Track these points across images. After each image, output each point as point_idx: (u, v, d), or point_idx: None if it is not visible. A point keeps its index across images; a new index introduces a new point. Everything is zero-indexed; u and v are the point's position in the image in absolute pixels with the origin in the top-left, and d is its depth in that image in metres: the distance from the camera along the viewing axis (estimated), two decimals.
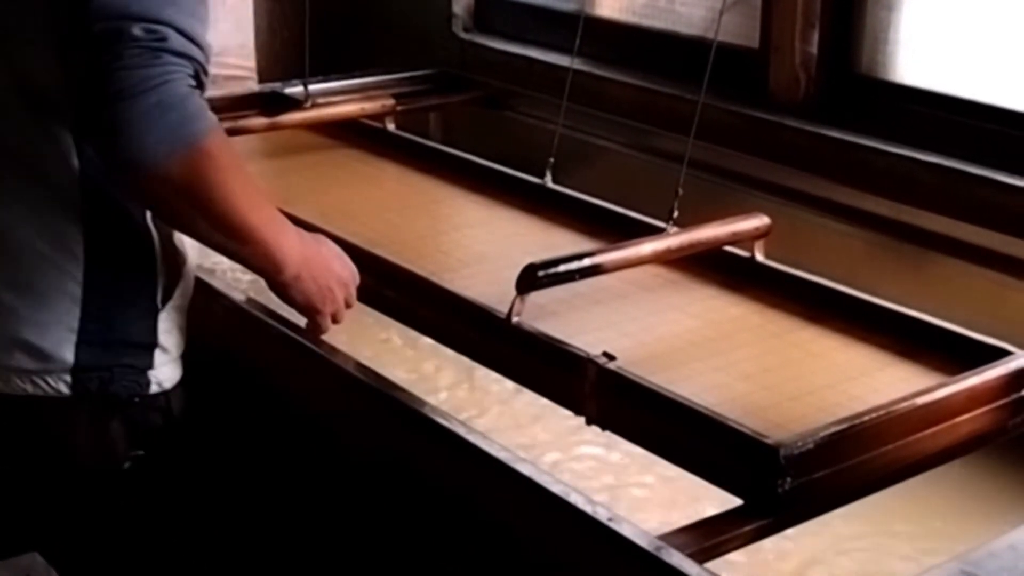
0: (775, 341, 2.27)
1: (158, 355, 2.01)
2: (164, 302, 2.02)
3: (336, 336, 2.24)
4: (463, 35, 3.76)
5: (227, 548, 2.28)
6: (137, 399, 1.99)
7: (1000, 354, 2.14)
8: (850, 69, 2.96)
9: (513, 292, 2.20)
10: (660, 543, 1.72)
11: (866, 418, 1.90)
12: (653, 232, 2.53)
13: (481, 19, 3.78)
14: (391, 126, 3.32)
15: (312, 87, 3.31)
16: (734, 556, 1.86)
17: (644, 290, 2.44)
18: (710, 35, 2.81)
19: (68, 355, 1.93)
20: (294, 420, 2.30)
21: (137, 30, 1.72)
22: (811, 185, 2.89)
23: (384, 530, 2.13)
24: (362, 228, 2.64)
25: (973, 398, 2.04)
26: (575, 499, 1.82)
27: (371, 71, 3.60)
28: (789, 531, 1.92)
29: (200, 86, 1.81)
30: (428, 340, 2.47)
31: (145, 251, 1.99)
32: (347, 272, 2.18)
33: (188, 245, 2.06)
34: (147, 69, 1.72)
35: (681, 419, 1.93)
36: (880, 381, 2.13)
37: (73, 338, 1.93)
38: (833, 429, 1.86)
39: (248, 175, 1.92)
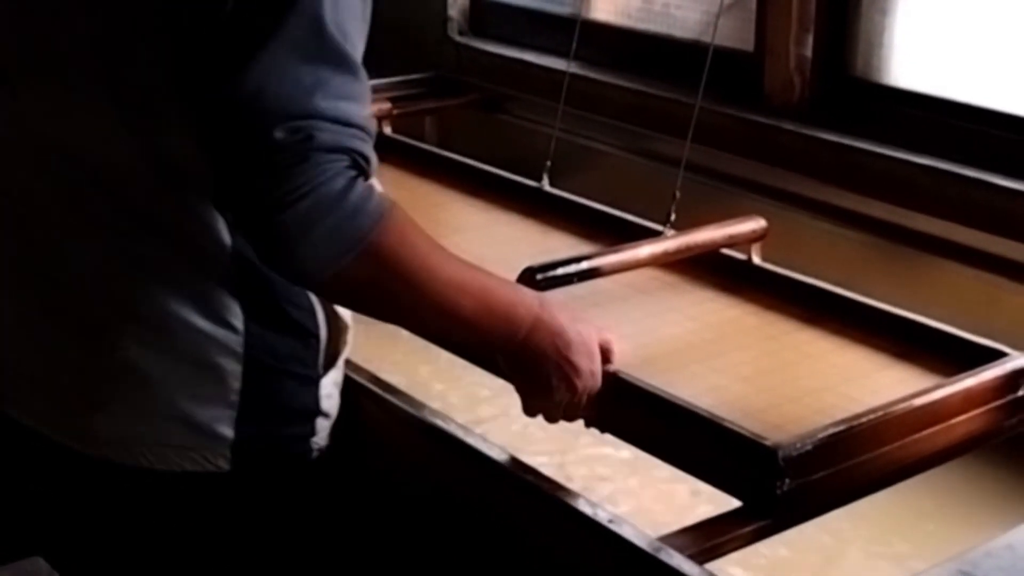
0: (772, 343, 2.28)
1: (319, 421, 1.91)
2: (326, 370, 1.92)
3: None
4: (459, 38, 3.77)
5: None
6: (298, 467, 1.90)
7: (996, 355, 2.15)
8: (845, 72, 2.98)
9: None
10: (660, 544, 1.73)
11: (864, 419, 1.91)
12: (650, 235, 2.55)
13: (477, 22, 3.79)
14: (387, 130, 3.32)
15: None
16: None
17: (641, 293, 2.45)
18: (705, 39, 2.83)
19: (228, 431, 1.81)
20: None
21: (280, 133, 1.55)
22: (806, 188, 2.90)
23: (383, 534, 2.13)
24: None
25: (969, 399, 2.05)
26: (575, 501, 1.83)
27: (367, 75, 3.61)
28: (785, 534, 1.92)
29: (362, 171, 1.65)
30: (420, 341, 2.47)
31: (308, 321, 1.86)
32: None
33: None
34: (294, 178, 1.56)
35: (680, 422, 1.94)
36: (877, 383, 2.14)
37: (233, 413, 1.81)
38: (831, 431, 1.87)
39: (438, 251, 1.75)
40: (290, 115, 1.55)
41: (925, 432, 1.99)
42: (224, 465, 1.81)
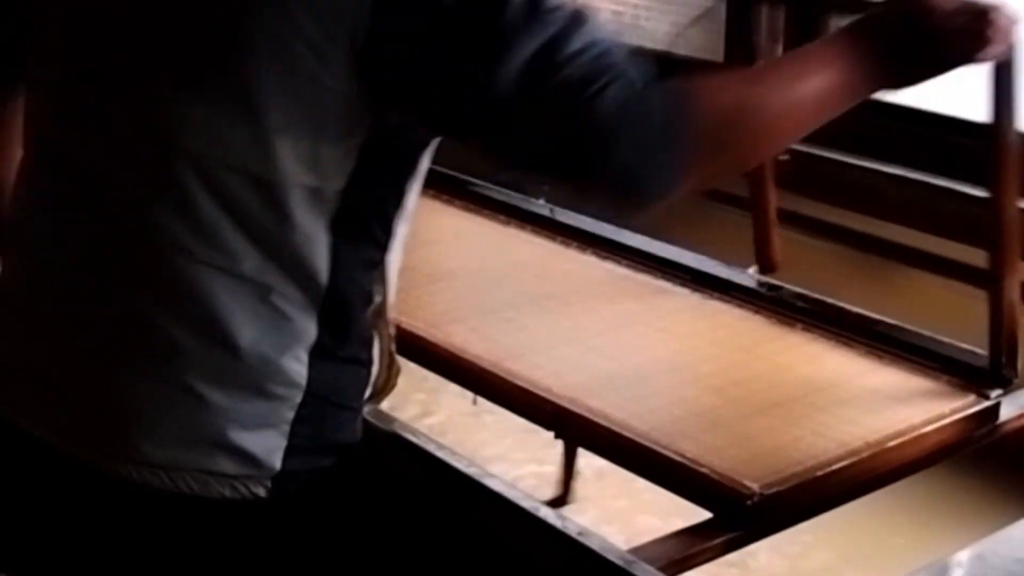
0: (743, 355, 2.27)
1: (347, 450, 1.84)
2: (370, 399, 1.86)
3: None
4: None
5: None
6: (334, 496, 1.82)
7: (966, 363, 2.16)
8: None
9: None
10: (630, 557, 1.72)
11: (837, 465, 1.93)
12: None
13: None
14: None
15: None
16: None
17: (610, 303, 2.44)
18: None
19: (276, 462, 1.72)
20: None
21: (597, 101, 1.54)
22: (777, 198, 2.90)
23: (350, 545, 2.12)
24: None
25: (940, 414, 2.06)
26: (544, 514, 1.82)
27: None
28: (753, 546, 1.92)
29: (642, 75, 1.60)
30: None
31: (366, 353, 1.80)
32: None
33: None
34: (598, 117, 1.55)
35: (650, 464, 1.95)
36: (848, 392, 2.14)
37: (284, 444, 1.72)
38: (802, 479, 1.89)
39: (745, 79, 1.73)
40: (586, 81, 1.54)
41: (895, 443, 1.99)
42: (263, 494, 1.74)
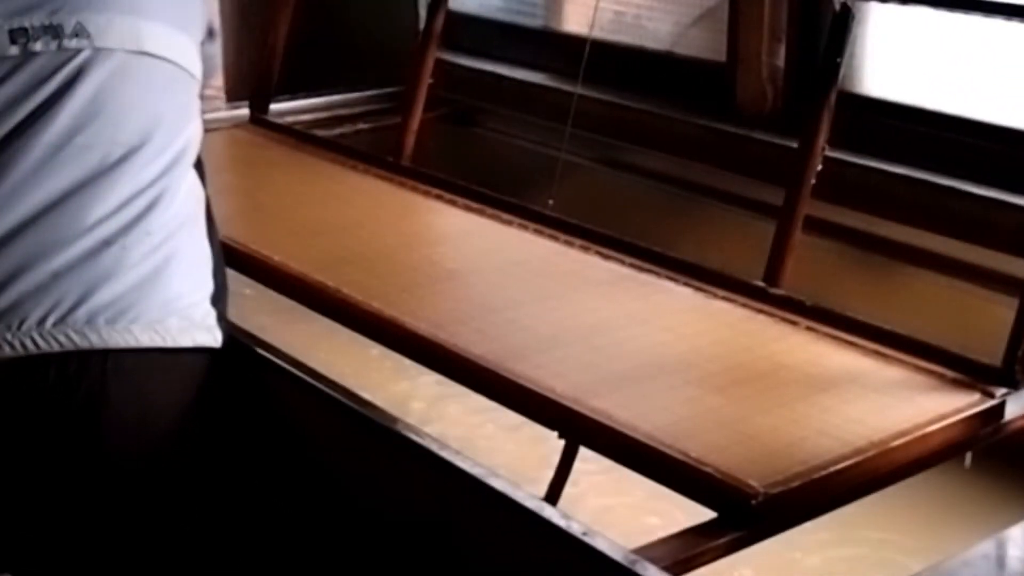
0: (746, 354, 2.27)
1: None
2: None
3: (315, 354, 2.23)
4: None
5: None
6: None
7: (971, 362, 2.15)
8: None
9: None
10: (635, 557, 1.72)
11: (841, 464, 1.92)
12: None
13: (449, 36, 3.77)
14: (360, 144, 3.31)
15: (281, 106, 3.30)
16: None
17: (613, 303, 2.44)
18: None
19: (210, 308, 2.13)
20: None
21: None
22: (779, 198, 2.89)
23: (354, 545, 2.12)
24: (332, 245, 2.64)
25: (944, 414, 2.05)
26: (549, 514, 1.81)
27: (340, 89, 3.60)
28: (760, 545, 1.92)
29: None
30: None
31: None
32: None
33: None
34: None
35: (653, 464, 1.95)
36: (852, 391, 2.13)
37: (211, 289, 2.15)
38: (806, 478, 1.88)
39: None
40: None
41: (900, 442, 1.98)
42: (211, 341, 2.11)
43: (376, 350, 2.55)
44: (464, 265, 2.63)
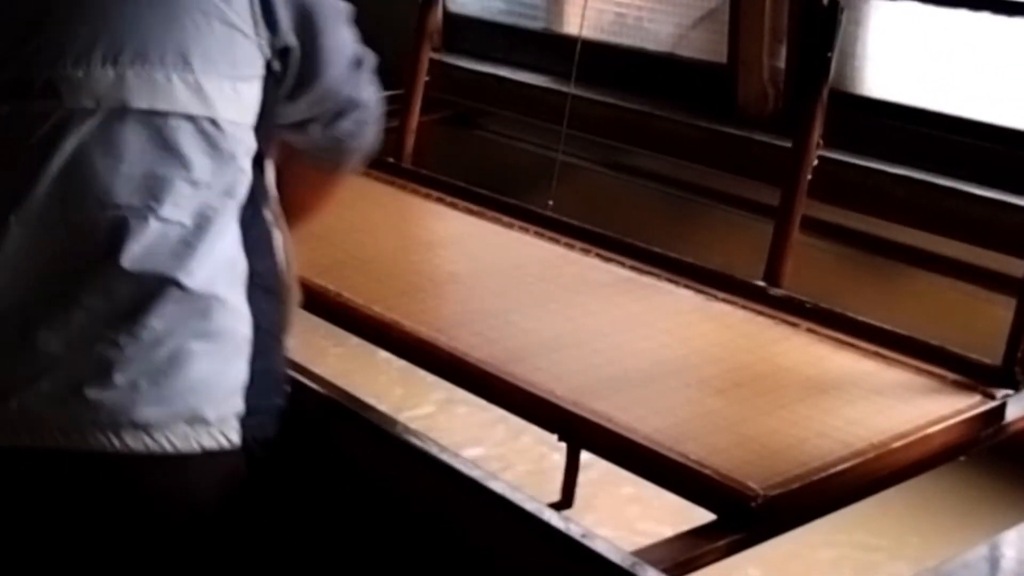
0: (747, 356, 2.27)
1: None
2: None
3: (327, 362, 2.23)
4: (432, 55, 3.75)
5: None
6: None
7: (971, 364, 2.15)
8: None
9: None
10: (634, 559, 1.72)
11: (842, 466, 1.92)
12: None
13: (450, 38, 3.78)
14: None
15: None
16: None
17: (614, 305, 2.44)
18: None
19: (238, 400, 1.76)
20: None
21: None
22: (779, 199, 2.89)
23: (356, 548, 2.12)
24: (332, 248, 2.64)
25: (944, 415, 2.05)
26: (548, 516, 1.81)
27: None
28: (760, 547, 1.91)
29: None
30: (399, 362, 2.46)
31: (283, 277, 1.88)
32: None
33: None
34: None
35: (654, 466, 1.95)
36: (852, 393, 2.13)
37: (243, 378, 1.77)
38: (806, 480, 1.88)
39: None
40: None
41: (901, 444, 1.98)
42: (235, 439, 1.75)
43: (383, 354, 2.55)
44: (464, 268, 2.63)
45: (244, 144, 1.80)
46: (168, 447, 1.72)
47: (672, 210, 2.88)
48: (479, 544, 1.94)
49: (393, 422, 2.10)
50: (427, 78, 3.32)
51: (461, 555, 1.96)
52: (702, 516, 1.86)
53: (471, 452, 2.40)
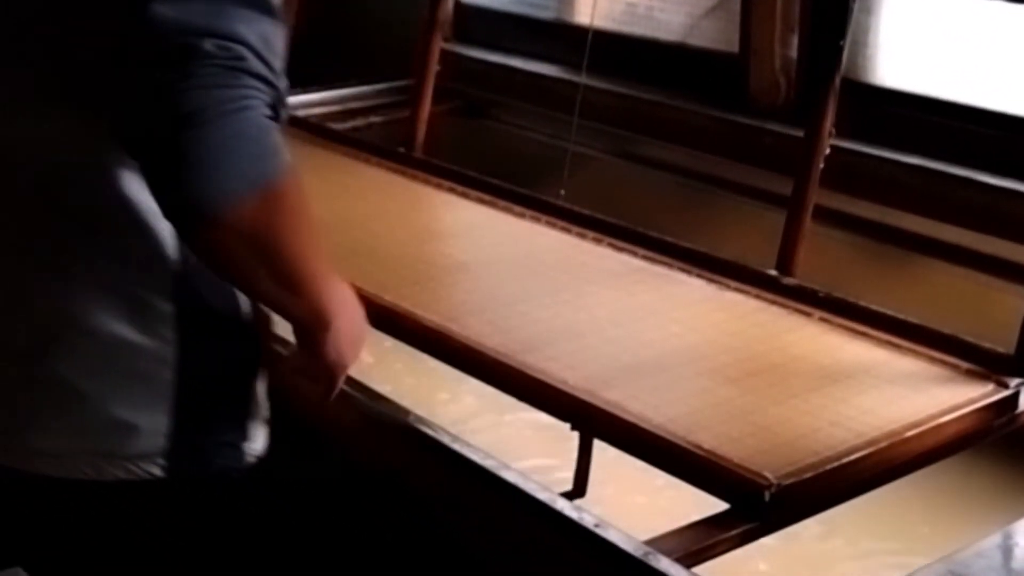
0: (760, 345, 2.26)
1: (251, 425, 1.77)
2: (258, 369, 1.78)
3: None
4: (443, 45, 3.75)
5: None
6: (235, 474, 1.76)
7: (985, 353, 2.14)
8: None
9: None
10: (647, 548, 1.72)
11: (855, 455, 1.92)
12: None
13: (461, 29, 3.78)
14: (373, 136, 3.31)
15: (293, 99, 3.29)
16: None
17: (626, 295, 2.43)
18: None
19: (161, 439, 1.69)
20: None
21: (210, 46, 1.42)
22: (792, 188, 2.89)
23: (369, 538, 2.12)
24: (344, 238, 2.64)
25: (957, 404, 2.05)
26: (561, 506, 1.81)
27: (351, 82, 3.60)
28: (773, 536, 1.91)
29: (277, 120, 1.54)
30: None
31: (239, 318, 1.73)
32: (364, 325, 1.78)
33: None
34: (224, 90, 1.43)
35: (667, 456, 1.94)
36: (865, 382, 2.13)
37: (168, 421, 1.69)
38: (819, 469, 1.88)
39: (312, 218, 1.63)
40: (220, 34, 1.44)
41: (914, 433, 1.98)
42: (158, 472, 1.70)
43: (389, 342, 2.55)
44: (476, 257, 2.63)
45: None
46: (81, 475, 1.69)
47: (684, 199, 2.87)
48: (491, 533, 1.94)
49: (405, 411, 2.10)
50: (438, 68, 3.31)
51: (473, 544, 1.96)
52: (715, 505, 1.86)
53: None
